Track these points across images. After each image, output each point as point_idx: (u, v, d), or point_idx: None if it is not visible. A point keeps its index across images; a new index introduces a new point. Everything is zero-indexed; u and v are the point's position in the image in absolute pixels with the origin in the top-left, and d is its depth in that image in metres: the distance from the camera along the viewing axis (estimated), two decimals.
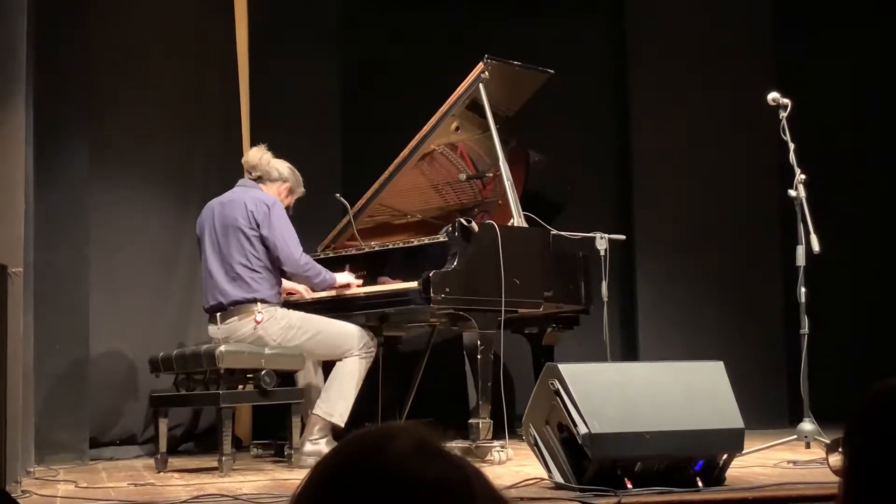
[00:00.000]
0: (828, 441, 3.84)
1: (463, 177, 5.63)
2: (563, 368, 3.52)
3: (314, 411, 4.76)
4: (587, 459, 3.43)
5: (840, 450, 1.46)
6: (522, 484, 3.62)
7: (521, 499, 3.33)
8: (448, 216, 5.55)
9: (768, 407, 6.16)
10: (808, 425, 4.36)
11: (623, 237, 5.60)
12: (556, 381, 3.49)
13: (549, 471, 3.59)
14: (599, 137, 6.88)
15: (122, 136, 5.73)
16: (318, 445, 4.69)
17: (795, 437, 4.39)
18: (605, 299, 5.20)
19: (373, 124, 6.53)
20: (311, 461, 4.57)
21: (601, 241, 5.27)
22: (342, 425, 4.76)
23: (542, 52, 6.18)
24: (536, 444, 3.63)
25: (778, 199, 5.55)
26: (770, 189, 6.12)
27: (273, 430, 5.28)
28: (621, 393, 3.53)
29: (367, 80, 6.70)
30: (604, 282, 5.21)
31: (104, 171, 5.59)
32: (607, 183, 6.86)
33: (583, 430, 3.40)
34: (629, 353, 6.48)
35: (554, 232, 5.20)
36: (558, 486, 3.50)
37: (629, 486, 3.37)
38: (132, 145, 5.76)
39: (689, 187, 6.56)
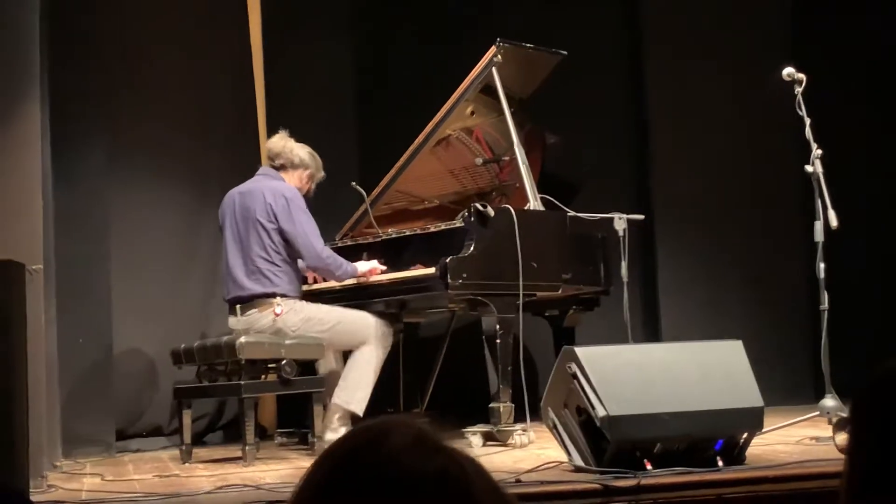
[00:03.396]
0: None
1: (479, 161, 5.61)
2: (580, 351, 3.52)
3: (333, 400, 4.79)
4: (606, 442, 3.43)
5: (846, 429, 1.46)
6: (543, 467, 3.62)
7: (542, 482, 3.34)
8: (465, 201, 5.54)
9: (794, 382, 6.14)
10: (830, 401, 4.34)
11: (642, 217, 5.56)
12: (574, 365, 3.49)
13: (568, 454, 3.59)
14: (617, 116, 6.84)
15: (138, 128, 5.75)
16: (337, 434, 4.70)
17: (818, 413, 4.37)
18: (625, 280, 5.19)
19: (389, 111, 6.53)
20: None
21: (619, 222, 5.26)
22: (360, 413, 4.79)
23: (557, 32, 6.16)
24: (555, 428, 3.64)
25: (798, 175, 5.51)
26: (790, 164, 6.06)
27: (297, 419, 5.31)
28: (639, 374, 3.53)
29: (381, 66, 6.69)
30: (623, 262, 5.20)
31: (122, 165, 5.62)
32: (626, 162, 6.81)
33: (601, 412, 3.40)
34: (651, 332, 6.46)
35: (571, 214, 5.18)
36: (578, 469, 3.50)
37: (649, 467, 3.37)
38: (149, 138, 5.79)
39: (709, 164, 6.52)
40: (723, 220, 6.50)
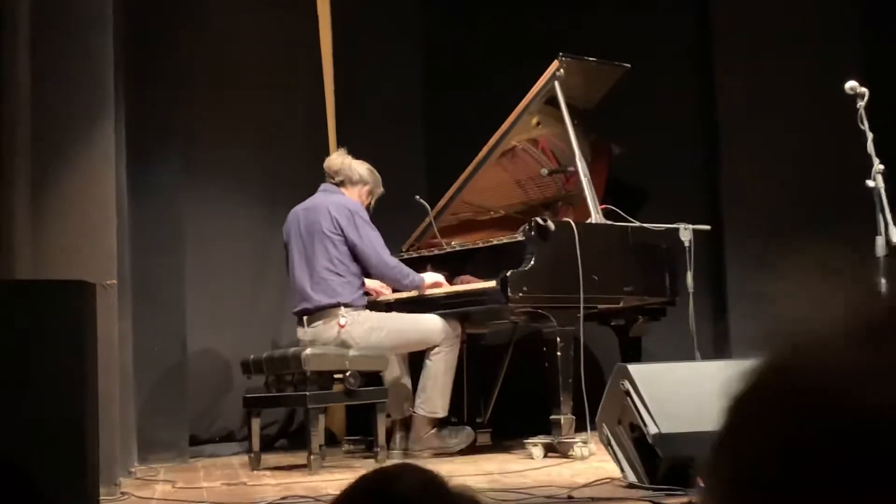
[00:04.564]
0: None
1: (545, 171, 5.64)
2: (633, 369, 3.55)
3: (416, 412, 4.97)
4: (659, 459, 3.45)
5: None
6: (596, 483, 3.66)
7: (593, 499, 3.38)
8: (532, 211, 5.58)
9: None
10: None
11: (708, 227, 5.53)
12: (626, 382, 3.52)
13: (622, 470, 3.62)
14: (686, 126, 6.79)
15: (212, 142, 5.92)
16: (431, 443, 4.99)
17: None
18: (691, 290, 5.17)
19: (456, 121, 6.59)
20: (427, 454, 4.83)
21: (685, 232, 5.24)
22: (445, 414, 5.03)
23: (625, 39, 6.17)
24: (610, 444, 3.67)
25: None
26: (861, 176, 5.96)
27: (366, 426, 5.40)
28: (691, 392, 3.52)
29: (449, 77, 6.76)
30: (689, 272, 5.18)
31: (196, 178, 5.78)
32: (695, 172, 6.76)
33: (653, 430, 3.42)
34: (721, 342, 6.41)
35: (635, 224, 5.19)
36: (631, 486, 3.53)
37: (702, 484, 3.37)
38: (222, 152, 5.96)
39: (779, 175, 6.42)
40: (793, 230, 6.41)
